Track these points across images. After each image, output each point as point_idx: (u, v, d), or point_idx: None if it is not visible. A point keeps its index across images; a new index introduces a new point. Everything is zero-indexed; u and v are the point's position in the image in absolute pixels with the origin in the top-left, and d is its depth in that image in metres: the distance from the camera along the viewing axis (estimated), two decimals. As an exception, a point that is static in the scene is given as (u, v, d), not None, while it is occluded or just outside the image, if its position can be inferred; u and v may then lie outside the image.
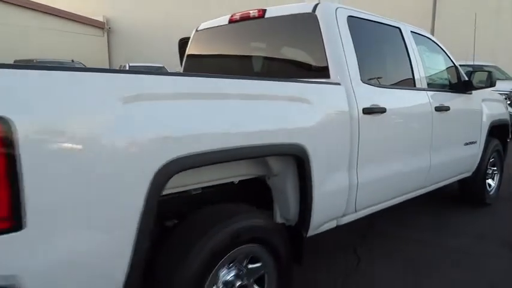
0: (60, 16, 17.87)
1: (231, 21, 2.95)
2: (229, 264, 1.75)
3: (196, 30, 3.33)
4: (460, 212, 3.97)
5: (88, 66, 11.91)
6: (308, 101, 2.01)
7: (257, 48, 2.95)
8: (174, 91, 1.50)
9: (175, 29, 19.35)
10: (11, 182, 1.12)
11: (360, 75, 2.37)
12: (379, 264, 2.83)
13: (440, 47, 3.47)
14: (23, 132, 1.12)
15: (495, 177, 4.25)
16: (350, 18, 2.47)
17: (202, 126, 1.54)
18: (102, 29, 20.42)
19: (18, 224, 1.14)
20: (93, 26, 19.87)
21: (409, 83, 2.88)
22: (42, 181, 1.17)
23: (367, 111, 2.33)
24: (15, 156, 1.12)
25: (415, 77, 2.93)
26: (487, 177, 4.03)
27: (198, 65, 3.30)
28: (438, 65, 3.40)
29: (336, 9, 2.41)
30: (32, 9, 16.44)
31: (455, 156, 3.36)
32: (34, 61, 11.43)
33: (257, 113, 1.77)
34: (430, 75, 3.15)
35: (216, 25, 3.11)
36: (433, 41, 3.40)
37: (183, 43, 4.36)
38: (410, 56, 2.93)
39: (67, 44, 17.16)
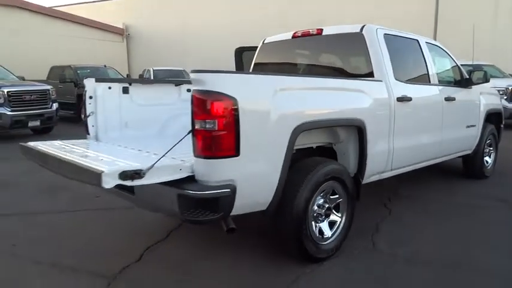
0: (83, 24, 19.01)
1: (294, 36, 4.03)
2: (321, 193, 2.82)
3: (263, 43, 4.40)
4: (465, 182, 5.04)
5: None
6: (364, 92, 3.10)
7: (316, 58, 4.03)
8: (301, 86, 2.59)
9: (190, 35, 20.58)
10: (236, 131, 2.20)
11: (394, 75, 3.45)
12: (406, 215, 3.88)
13: (446, 52, 4.54)
14: (241, 105, 2.20)
15: (491, 155, 5.32)
16: (385, 35, 3.55)
17: (313, 105, 2.63)
18: (122, 35, 21.62)
19: (237, 153, 2.22)
20: (114, 32, 21.04)
21: (425, 80, 3.96)
22: (247, 131, 2.24)
23: (399, 99, 3.41)
24: (238, 117, 2.19)
25: (430, 76, 4.01)
26: (484, 155, 5.10)
27: (266, 70, 4.36)
28: (445, 66, 4.48)
29: (376, 29, 3.49)
30: (60, 18, 17.59)
31: (459, 135, 4.44)
32: (71, 67, 12.51)
33: (339, 98, 2.86)
34: (440, 74, 4.23)
35: (281, 39, 4.19)
36: (441, 48, 4.47)
37: (240, 52, 5.43)
38: (426, 60, 4.02)
39: (89, 49, 18.18)
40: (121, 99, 3.47)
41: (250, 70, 4.50)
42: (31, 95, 9.13)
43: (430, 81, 3.99)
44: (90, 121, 3.33)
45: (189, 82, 3.98)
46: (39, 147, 2.71)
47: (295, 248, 2.68)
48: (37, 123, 9.19)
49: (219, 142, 2.16)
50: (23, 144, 2.93)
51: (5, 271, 2.85)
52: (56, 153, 2.46)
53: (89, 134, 3.35)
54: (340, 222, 2.96)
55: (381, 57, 3.39)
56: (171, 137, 3.62)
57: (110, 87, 3.39)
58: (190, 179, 2.23)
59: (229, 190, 2.19)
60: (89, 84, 3.31)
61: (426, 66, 4.00)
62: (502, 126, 5.50)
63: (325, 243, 2.84)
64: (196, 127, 2.17)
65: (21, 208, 4.23)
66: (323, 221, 2.86)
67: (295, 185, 2.59)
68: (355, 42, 3.51)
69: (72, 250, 3.18)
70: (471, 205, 4.18)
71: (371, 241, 3.24)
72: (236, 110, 2.18)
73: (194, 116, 2.17)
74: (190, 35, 20.56)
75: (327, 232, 2.88)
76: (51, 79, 12.48)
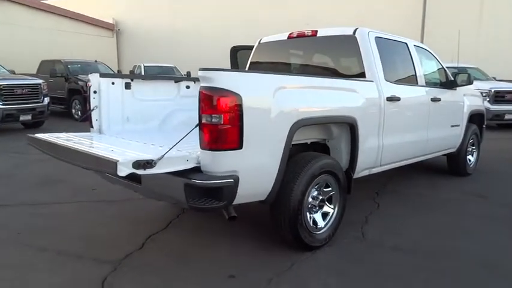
0: (72, 18, 18.89)
1: (289, 37, 4.21)
2: (315, 186, 3.01)
3: (259, 43, 4.58)
4: (448, 179, 5.31)
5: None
6: (356, 91, 3.31)
7: (310, 58, 4.22)
8: (299, 84, 2.78)
9: (180, 31, 20.62)
10: (239, 125, 2.37)
11: (384, 75, 3.66)
12: (393, 208, 4.11)
13: (433, 54, 4.79)
14: (245, 101, 2.37)
15: (474, 154, 5.61)
16: (377, 38, 3.76)
17: (310, 103, 2.82)
18: (112, 30, 21.52)
19: (240, 145, 2.39)
20: (103, 27, 20.94)
21: (413, 81, 4.19)
22: (250, 125, 2.41)
23: (389, 99, 3.63)
24: (242, 112, 2.37)
25: (417, 77, 4.24)
26: (467, 153, 5.38)
27: (262, 69, 4.53)
28: (432, 68, 4.72)
29: (368, 32, 3.69)
30: (49, 11, 17.43)
31: (444, 134, 4.69)
32: (62, 61, 12.47)
33: (334, 97, 3.06)
34: (426, 76, 4.46)
35: (277, 39, 4.37)
36: (428, 50, 4.71)
37: (235, 51, 5.59)
38: (414, 62, 4.25)
39: (78, 44, 18.09)
40: (123, 94, 3.61)
41: (246, 69, 4.67)
42: (23, 89, 9.12)
43: (417, 83, 4.22)
44: (94, 115, 3.46)
45: (188, 79, 4.14)
46: (50, 139, 2.83)
47: (291, 237, 2.87)
48: (28, 117, 9.19)
49: (224, 135, 2.33)
50: (31, 135, 3.05)
51: (12, 258, 2.97)
52: (69, 145, 2.59)
53: (92, 127, 3.48)
54: (333, 213, 3.16)
55: (372, 58, 3.60)
56: (170, 131, 3.82)
57: (113, 83, 3.52)
58: (196, 170, 2.39)
59: (232, 180, 2.36)
60: (94, 79, 3.44)
61: (414, 68, 4.23)
62: (484, 126, 5.79)
63: (318, 232, 3.03)
64: (203, 121, 2.34)
65: (21, 199, 4.33)
66: (317, 212, 3.06)
67: (292, 177, 2.78)
68: (348, 44, 3.71)
69: (76, 238, 3.31)
70: (453, 200, 4.44)
71: (360, 231, 3.46)
72: (240, 105, 2.35)
73: (201, 111, 2.34)
74: (180, 31, 20.59)
75: (320, 222, 3.08)
76: (41, 73, 12.41)
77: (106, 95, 3.48)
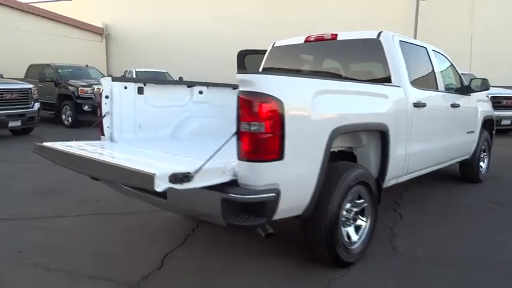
0: (61, 21, 18.34)
1: (306, 41, 4.03)
2: (350, 198, 2.81)
3: (273, 47, 4.38)
4: (462, 186, 5.20)
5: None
6: (387, 96, 3.13)
7: (330, 63, 4.04)
8: (337, 89, 2.58)
9: (172, 36, 20.30)
10: (281, 134, 2.16)
11: (409, 80, 3.51)
12: (416, 218, 3.94)
13: (449, 60, 4.68)
14: (286, 106, 2.16)
15: (485, 160, 5.52)
16: (400, 42, 3.60)
17: (348, 109, 2.63)
18: (101, 34, 21.05)
19: (281, 156, 2.18)
20: (92, 31, 20.45)
21: (434, 86, 4.06)
22: (291, 134, 2.20)
23: (415, 105, 3.47)
24: (283, 119, 2.15)
25: (437, 82, 4.11)
26: (480, 160, 5.28)
27: (276, 71, 4.33)
28: (448, 74, 4.60)
29: (393, 36, 3.54)
30: (37, 14, 16.89)
31: (461, 140, 4.57)
32: (52, 65, 12.04)
33: (368, 103, 2.88)
34: (445, 81, 4.34)
35: (292, 43, 4.18)
36: (445, 56, 4.60)
37: (243, 55, 5.39)
38: (434, 67, 4.12)
39: (66, 48, 17.54)
40: (136, 99, 3.37)
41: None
42: (12, 94, 8.71)
43: (437, 88, 4.09)
44: (105, 122, 3.20)
45: (201, 84, 3.91)
46: (65, 149, 2.56)
47: (327, 253, 2.66)
48: (18, 123, 8.76)
49: (265, 145, 2.12)
50: (39, 144, 2.77)
51: (15, 280, 2.67)
52: (90, 155, 2.33)
53: (103, 134, 3.22)
54: (365, 226, 2.97)
55: (398, 63, 3.44)
56: (184, 139, 3.61)
57: (126, 87, 3.28)
58: (232, 183, 2.17)
59: (274, 194, 2.15)
60: (106, 83, 3.19)
61: (434, 73, 4.09)
62: (493, 132, 5.71)
63: (353, 247, 2.84)
64: (241, 129, 2.12)
65: (18, 213, 4.00)
66: (350, 225, 2.86)
67: (328, 189, 2.58)
68: (371, 48, 3.55)
69: (84, 256, 3.03)
70: (472, 207, 4.33)
71: (391, 245, 3.27)
72: (282, 112, 2.15)
73: (240, 118, 2.12)
74: (172, 36, 20.28)
75: (354, 237, 2.88)
76: (29, 78, 11.95)
77: (118, 100, 3.23)
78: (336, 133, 2.50)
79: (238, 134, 2.13)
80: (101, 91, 3.21)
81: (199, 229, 3.59)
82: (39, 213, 3.99)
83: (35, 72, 12.10)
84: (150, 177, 1.82)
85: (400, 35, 3.70)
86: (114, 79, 3.23)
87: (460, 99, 4.49)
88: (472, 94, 4.80)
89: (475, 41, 15.20)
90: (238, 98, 2.12)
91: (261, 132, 2.09)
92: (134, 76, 14.15)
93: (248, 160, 2.13)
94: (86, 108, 10.95)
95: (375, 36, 3.53)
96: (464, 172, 5.27)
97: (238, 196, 2.08)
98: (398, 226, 3.72)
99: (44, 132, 9.84)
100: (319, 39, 3.92)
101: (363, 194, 2.92)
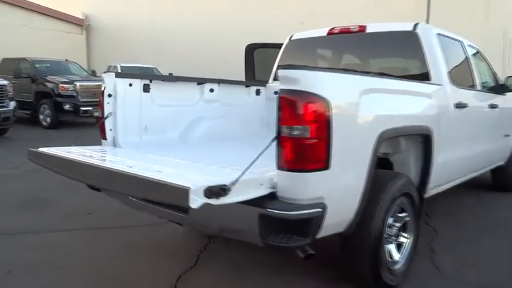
0: (33, 10, 17.85)
1: (329, 33, 3.91)
2: (392, 211, 2.69)
3: (290, 40, 4.25)
4: (495, 195, 5.13)
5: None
6: (430, 96, 3.03)
7: (357, 57, 3.93)
8: (383, 87, 2.46)
9: (161, 28, 20.07)
10: (328, 139, 2.03)
11: (449, 78, 3.41)
12: (453, 233, 3.83)
13: (483, 56, 4.60)
14: (333, 107, 2.03)
15: (519, 167, 5.45)
16: (438, 35, 3.51)
17: (394, 110, 2.52)
18: (81, 26, 20.71)
19: (327, 164, 2.05)
20: (71, 22, 20.08)
21: (471, 85, 3.97)
22: (338, 139, 2.07)
23: (457, 105, 3.38)
24: (330, 122, 2.02)
25: (475, 80, 4.02)
26: (513, 166, 5.21)
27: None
28: (484, 71, 4.52)
29: (431, 28, 3.44)
30: (5, 2, 16.37)
31: (498, 144, 4.51)
32: (28, 60, 11.78)
33: (412, 103, 2.78)
34: (481, 79, 4.26)
35: (312, 36, 4.06)
36: (479, 51, 4.52)
37: (251, 49, 5.26)
38: (470, 63, 4.03)
39: (40, 41, 17.04)
40: (141, 98, 3.22)
41: (274, 70, 4.33)
42: (-15, 91, 8.46)
43: (475, 87, 4.01)
44: (108, 124, 3.03)
45: (212, 81, 3.78)
46: (71, 157, 2.39)
47: (370, 275, 2.53)
48: (-9, 124, 8.52)
49: (310, 152, 1.99)
50: (35, 150, 2.59)
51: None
52: (104, 165, 2.17)
53: (105, 138, 3.05)
54: (408, 243, 2.86)
55: (437, 58, 3.35)
56: (195, 143, 3.47)
57: (130, 84, 3.12)
58: (270, 196, 2.03)
59: (320, 210, 2.02)
60: (109, 80, 3.02)
61: (471, 70, 4.01)
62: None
63: (395, 268, 2.72)
64: (282, 134, 1.98)
65: (3, 227, 3.80)
66: (391, 242, 2.74)
67: (372, 202, 2.45)
68: (407, 41, 3.45)
69: (82, 278, 2.87)
70: (502, 219, 4.28)
71: (432, 264, 3.16)
72: (329, 114, 2.02)
73: (281, 121, 1.99)
74: (160, 28, 20.02)
75: (396, 255, 2.77)
76: (2, 73, 11.65)
77: (122, 99, 3.07)
78: (383, 137, 2.38)
79: (279, 139, 2.00)
80: (102, 89, 3.05)
81: (213, 245, 3.44)
82: (27, 227, 3.80)
83: (9, 67, 11.82)
84: (183, 192, 1.67)
85: (436, 27, 3.60)
86: (118, 75, 3.08)
87: (497, 99, 4.42)
88: (507, 94, 4.73)
89: (490, 37, 15.31)
90: (279, 98, 1.99)
91: (305, 137, 1.96)
92: (120, 71, 13.90)
93: (290, 170, 1.99)
94: (66, 107, 10.71)
95: (410, 28, 3.43)
96: (498, 180, 5.19)
97: (280, 212, 1.94)
98: (436, 242, 3.61)
99: (21, 134, 9.59)
100: (345, 31, 3.81)
101: (406, 206, 2.81)
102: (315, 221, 2.01)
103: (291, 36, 4.28)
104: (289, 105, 1.97)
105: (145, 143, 3.20)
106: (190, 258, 3.17)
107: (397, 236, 2.77)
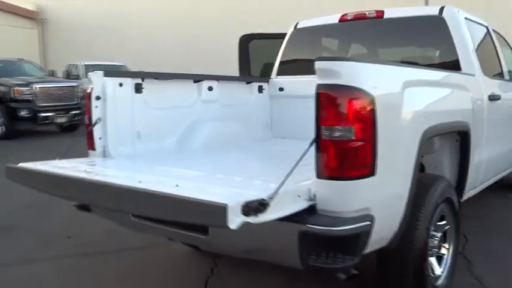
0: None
1: (341, 20, 3.87)
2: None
3: (296, 28, 4.19)
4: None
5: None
6: (467, 88, 3.02)
7: (375, 46, 3.90)
8: (426, 79, 2.43)
9: (126, 20, 19.74)
10: (374, 140, 1.96)
11: (480, 67, 3.42)
12: (486, 240, 3.82)
13: (506, 41, 4.65)
14: (378, 104, 1.97)
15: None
16: (465, 19, 3.51)
17: (436, 105, 2.48)
18: (34, 19, 20.18)
19: (373, 170, 1.98)
20: (21, 15, 19.54)
21: (500, 74, 4.00)
22: (383, 139, 2.01)
23: (491, 98, 3.39)
24: (375, 121, 1.96)
25: (503, 70, 4.06)
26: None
27: (303, 64, 4.13)
28: (510, 59, 4.57)
29: (458, 11, 3.44)
30: None
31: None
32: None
33: (454, 96, 2.77)
34: (508, 68, 4.29)
35: (322, 23, 4.02)
36: (503, 37, 4.57)
37: (247, 40, 5.19)
38: (497, 51, 4.07)
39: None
40: (133, 100, 3.11)
41: (277, 63, 4.25)
42: None
43: (504, 76, 4.04)
44: (97, 131, 2.90)
45: (210, 78, 3.69)
46: (63, 172, 2.25)
47: (415, 293, 2.47)
48: None
49: (356, 157, 1.92)
50: (13, 166, 2.44)
51: None
52: (114, 181, 2.04)
53: (93, 148, 2.92)
54: (448, 255, 2.83)
55: (468, 46, 3.35)
56: (198, 151, 3.39)
57: (121, 84, 3.01)
58: (309, 210, 1.95)
59: (368, 223, 1.95)
60: (97, 79, 2.90)
61: (499, 58, 4.04)
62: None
63: (438, 283, 2.69)
64: (323, 137, 1.91)
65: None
66: (432, 255, 2.70)
67: (415, 209, 2.40)
68: (432, 27, 3.44)
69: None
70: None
71: (472, 276, 3.14)
72: (374, 111, 1.95)
73: (320, 121, 1.91)
74: (127, 21, 19.71)
75: (437, 269, 2.74)
76: None
77: (113, 101, 2.96)
78: (427, 136, 2.35)
79: (318, 142, 1.92)
80: (89, 90, 2.91)
81: (220, 268, 3.33)
82: (-2, 258, 3.61)
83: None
84: (219, 210, 1.57)
85: (462, 10, 3.60)
86: (107, 74, 2.95)
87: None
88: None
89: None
90: (318, 94, 1.91)
91: (349, 139, 1.89)
92: (82, 71, 13.62)
93: (332, 178, 1.92)
94: (22, 113, 10.39)
95: (436, 13, 3.43)
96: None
97: (325, 228, 1.86)
98: (469, 250, 3.60)
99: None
100: (359, 17, 3.77)
101: (446, 213, 2.78)
102: (363, 236, 1.95)
103: (296, 25, 4.22)
104: (330, 102, 1.89)
105: (140, 152, 3.10)
106: (198, 285, 3.06)
107: (439, 247, 2.74)
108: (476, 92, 3.19)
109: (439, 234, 2.71)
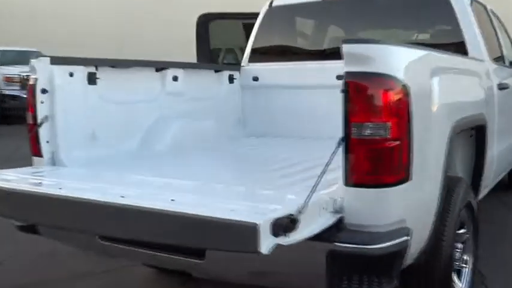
0: None
1: (326, -2, 3.83)
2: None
3: (270, 7, 4.09)
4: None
5: None
6: (480, 76, 3.07)
7: (366, 28, 3.88)
8: (453, 66, 2.41)
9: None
10: (409, 139, 1.90)
11: (488, 52, 3.49)
12: (498, 247, 3.92)
13: (503, 24, 4.81)
14: (413, 97, 1.91)
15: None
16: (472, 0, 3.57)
17: (461, 96, 2.48)
18: None
19: (408, 174, 1.92)
20: None
21: (502, 60, 4.11)
22: (417, 137, 1.95)
23: (500, 87, 3.47)
24: (411, 116, 1.90)
25: (504, 55, 4.18)
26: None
27: (280, 49, 4.04)
28: (507, 44, 4.72)
29: (462, -11, 3.49)
30: None
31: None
32: None
33: (468, 85, 2.77)
34: (508, 53, 4.43)
35: (302, 2, 3.95)
36: (499, 19, 4.71)
37: (206, 21, 5.06)
38: (498, 35, 4.19)
39: None
40: (87, 93, 2.93)
41: (249, 48, 4.14)
42: None
43: (505, 62, 4.16)
44: (43, 133, 2.68)
45: (175, 65, 3.54)
46: (21, 188, 2.03)
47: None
48: None
49: (392, 159, 1.86)
50: None
51: None
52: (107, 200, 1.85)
53: (40, 155, 2.70)
54: (468, 268, 2.85)
55: (474, 28, 3.42)
56: (162, 155, 3.28)
57: (71, 74, 2.81)
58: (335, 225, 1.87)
59: (407, 238, 1.90)
60: (42, 67, 2.67)
61: (499, 42, 4.17)
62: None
63: (460, 301, 2.70)
64: (353, 136, 1.82)
65: None
66: (454, 269, 2.70)
67: (441, 217, 2.38)
68: (434, 7, 3.48)
69: None
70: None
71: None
72: (409, 105, 1.90)
73: (350, 117, 1.82)
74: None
75: (457, 284, 2.74)
76: None
77: (62, 96, 2.75)
78: (455, 131, 2.34)
79: (348, 142, 1.83)
80: (32, 82, 2.68)
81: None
82: None
83: None
84: (247, 231, 1.45)
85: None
86: (55, 61, 2.72)
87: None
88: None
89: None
90: (347, 83, 1.82)
91: (385, 138, 1.82)
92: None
93: (365, 185, 1.84)
94: None
95: (440, -8, 3.46)
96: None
97: (360, 247, 1.78)
98: (483, 262, 3.66)
99: None
100: (350, -6, 3.76)
101: (465, 220, 2.79)
102: (402, 254, 1.89)
103: (271, 3, 4.12)
104: (362, 94, 1.82)
105: (96, 157, 2.92)
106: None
107: (460, 259, 2.75)
108: (487, 80, 3.25)
109: (459, 245, 2.72)
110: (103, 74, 3.00)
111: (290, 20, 4.09)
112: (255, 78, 4.01)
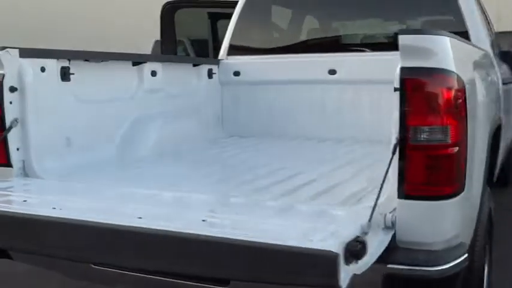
0: None
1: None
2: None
3: (251, -7, 3.90)
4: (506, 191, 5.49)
5: None
6: (495, 71, 3.03)
7: (361, 18, 3.76)
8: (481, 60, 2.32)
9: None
10: (465, 144, 1.76)
11: (490, 42, 3.46)
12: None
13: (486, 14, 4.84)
14: (468, 96, 1.77)
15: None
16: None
17: (491, 94, 2.40)
18: None
19: (463, 184, 1.78)
20: None
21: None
22: (469, 140, 1.82)
23: (504, 81, 3.44)
24: (467, 119, 1.76)
25: (493, 45, 4.17)
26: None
27: (260, 38, 3.85)
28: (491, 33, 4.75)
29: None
30: None
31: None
32: None
33: (490, 82, 2.72)
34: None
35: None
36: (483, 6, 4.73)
37: (172, 9, 4.83)
38: (490, 23, 4.19)
39: None
40: (60, 91, 2.69)
41: (228, 39, 3.91)
42: None
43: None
44: (13, 139, 2.39)
45: (153, 59, 3.34)
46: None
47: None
48: None
49: (452, 167, 1.71)
50: None
51: None
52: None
53: (9, 165, 2.43)
54: (485, 275, 2.79)
55: (476, 14, 3.40)
56: (146, 161, 3.09)
57: (43, 69, 2.54)
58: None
59: (467, 256, 1.78)
60: (10, 61, 2.38)
61: (491, 32, 4.18)
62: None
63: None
64: (411, 141, 1.65)
65: None
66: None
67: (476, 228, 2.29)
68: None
69: None
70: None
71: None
72: (466, 105, 1.76)
73: (407, 119, 1.65)
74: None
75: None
76: None
77: (33, 94, 2.49)
78: (492, 132, 2.26)
79: (405, 148, 1.66)
80: (-1, 79, 2.38)
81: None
82: None
83: None
84: (326, 261, 1.26)
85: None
86: (24, 53, 2.43)
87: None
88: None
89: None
90: (403, 81, 1.65)
91: (445, 143, 1.67)
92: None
93: (423, 198, 1.69)
94: None
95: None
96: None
97: (423, 269, 1.63)
98: (497, 268, 3.66)
99: None
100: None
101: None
102: (463, 275, 1.76)
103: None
104: (421, 93, 1.65)
105: (72, 166, 2.69)
106: None
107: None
108: (495, 74, 3.21)
109: (480, 251, 2.66)
110: (77, 69, 2.75)
111: (274, 8, 3.91)
112: (236, 73, 3.80)
